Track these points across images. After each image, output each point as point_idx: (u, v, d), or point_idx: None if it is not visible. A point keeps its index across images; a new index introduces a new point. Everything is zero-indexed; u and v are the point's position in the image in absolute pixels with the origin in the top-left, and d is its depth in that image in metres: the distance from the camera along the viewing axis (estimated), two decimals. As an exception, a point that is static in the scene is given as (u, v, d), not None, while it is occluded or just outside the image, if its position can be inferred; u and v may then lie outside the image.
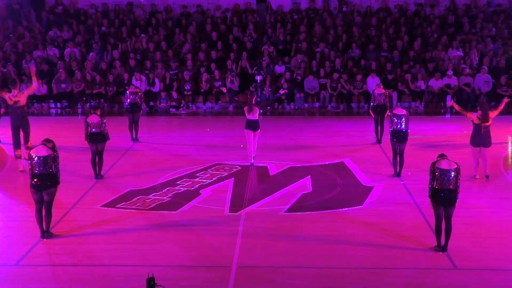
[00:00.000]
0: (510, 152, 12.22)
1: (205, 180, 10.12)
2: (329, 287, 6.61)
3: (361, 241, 7.72)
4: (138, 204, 9.05)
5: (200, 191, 9.59)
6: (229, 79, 16.76)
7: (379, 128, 12.46)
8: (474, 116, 9.92)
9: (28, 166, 7.73)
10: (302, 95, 16.69)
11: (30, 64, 10.55)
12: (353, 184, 10.00)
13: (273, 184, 10.03)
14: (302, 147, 12.53)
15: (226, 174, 10.48)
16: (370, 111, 12.50)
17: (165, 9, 19.26)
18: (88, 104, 16.59)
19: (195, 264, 7.12)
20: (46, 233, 7.79)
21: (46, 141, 7.70)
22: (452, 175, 7.13)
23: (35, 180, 7.60)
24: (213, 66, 17.00)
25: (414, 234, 7.85)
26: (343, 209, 8.87)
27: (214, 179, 10.21)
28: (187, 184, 9.95)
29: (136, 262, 7.14)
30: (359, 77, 16.57)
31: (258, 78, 16.25)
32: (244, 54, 17.26)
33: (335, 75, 16.69)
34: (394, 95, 16.35)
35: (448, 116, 16.23)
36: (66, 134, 13.58)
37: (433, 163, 7.26)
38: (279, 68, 17.27)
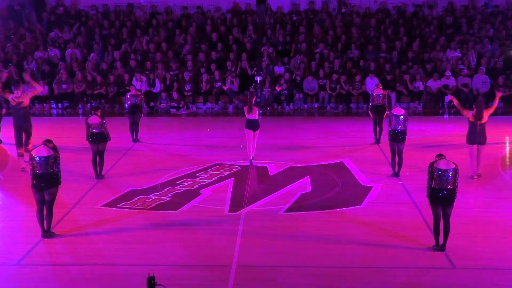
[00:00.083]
0: (507, 152, 12.29)
1: (205, 180, 10.17)
2: (328, 285, 6.65)
3: (359, 240, 7.76)
4: (138, 204, 9.10)
5: (200, 191, 9.64)
6: (229, 80, 16.82)
7: (377, 128, 12.52)
8: (469, 114, 10.00)
9: (29, 166, 7.78)
10: (301, 95, 16.76)
11: (24, 74, 10.69)
12: (352, 184, 10.05)
13: (272, 184, 10.08)
14: (301, 147, 12.58)
15: (226, 174, 10.53)
16: (369, 112, 12.56)
17: (165, 10, 19.33)
18: (89, 104, 16.65)
19: (195, 263, 7.17)
20: (47, 233, 7.83)
21: (47, 142, 7.75)
22: (450, 175, 7.17)
23: (36, 180, 7.63)
24: (213, 66, 17.06)
25: (412, 234, 7.90)
26: (342, 208, 8.92)
27: (214, 179, 10.26)
28: (187, 184, 10.00)
29: (136, 261, 7.18)
30: (358, 77, 16.63)
31: (258, 78, 16.30)
32: (244, 55, 17.32)
33: (334, 76, 16.75)
34: (393, 95, 16.41)
35: (446, 116, 16.30)
36: (67, 134, 13.63)
37: (431, 163, 7.30)
38: (279, 69, 17.34)
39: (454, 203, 7.33)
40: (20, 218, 8.69)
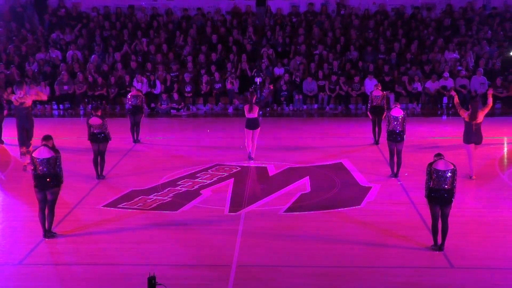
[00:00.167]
0: (505, 153, 12.35)
1: (205, 181, 10.23)
2: (327, 285, 6.69)
3: (359, 240, 7.81)
4: (139, 204, 9.15)
5: (201, 191, 9.70)
6: (229, 81, 16.89)
7: (376, 129, 12.58)
8: (465, 114, 10.08)
9: (30, 166, 7.82)
10: (300, 96, 16.82)
11: (30, 89, 10.80)
12: (351, 184, 10.10)
13: (272, 184, 10.13)
14: (301, 148, 12.64)
15: (226, 174, 10.59)
16: (368, 113, 12.62)
17: (166, 12, 19.39)
18: (90, 105, 16.71)
19: (195, 263, 7.21)
20: (48, 233, 7.87)
21: (46, 139, 7.71)
22: (449, 176, 7.22)
23: (38, 180, 7.67)
24: (213, 68, 17.13)
25: (411, 234, 7.94)
26: (341, 209, 8.96)
27: (214, 179, 10.32)
28: (187, 184, 10.05)
29: (137, 261, 7.22)
30: (357, 79, 16.70)
31: (258, 80, 16.39)
32: (244, 56, 17.39)
33: (333, 77, 16.81)
34: (392, 96, 16.48)
35: (444, 117, 16.37)
36: (68, 135, 13.66)
37: (430, 164, 7.34)
38: (278, 70, 17.41)
39: (452, 203, 7.37)
40: (21, 218, 8.75)
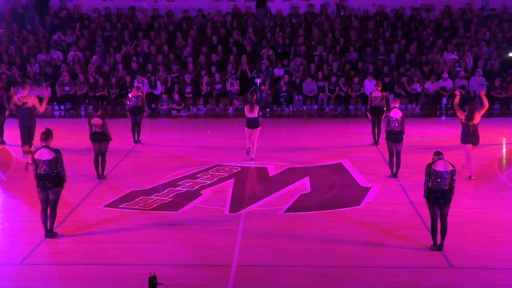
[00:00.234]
0: (504, 153, 12.40)
1: (205, 181, 10.27)
2: (327, 285, 6.72)
3: (358, 240, 7.84)
4: (140, 204, 9.19)
5: (201, 192, 9.74)
6: (229, 82, 16.94)
7: (376, 129, 12.63)
8: (462, 115, 10.14)
9: (32, 167, 7.86)
10: (300, 97, 16.87)
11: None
12: (351, 185, 10.14)
13: (272, 185, 10.17)
14: (300, 148, 12.68)
15: (227, 175, 10.63)
16: (368, 113, 12.67)
17: (166, 13, 19.45)
18: (90, 106, 16.76)
19: (196, 263, 7.24)
20: (50, 233, 7.90)
21: (45, 139, 7.67)
22: (448, 177, 7.24)
23: (40, 180, 7.70)
24: (213, 69, 17.18)
25: (410, 234, 7.98)
26: (341, 209, 9.00)
27: (214, 179, 10.36)
28: (188, 184, 10.09)
29: (138, 261, 7.25)
30: (356, 80, 16.75)
31: (258, 81, 16.46)
32: (244, 57, 17.44)
33: (333, 78, 16.86)
34: (390, 97, 16.52)
35: (443, 118, 16.42)
36: (69, 136, 13.70)
37: (429, 164, 7.36)
38: (278, 71, 17.46)
39: (451, 203, 7.40)
40: (22, 218, 8.78)
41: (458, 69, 17.16)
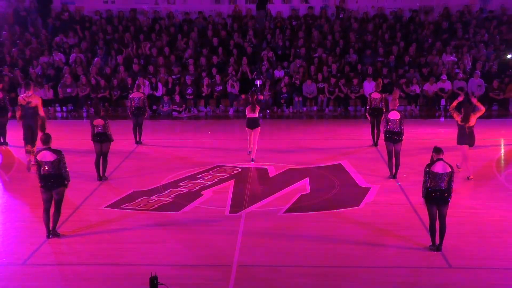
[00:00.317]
0: (502, 154, 12.46)
1: (206, 182, 10.31)
2: (327, 285, 6.75)
3: (358, 240, 7.88)
4: (141, 205, 9.24)
5: (202, 192, 9.78)
6: (229, 84, 17.02)
7: (375, 131, 12.70)
8: (458, 118, 10.21)
9: (34, 167, 7.93)
10: (300, 99, 16.94)
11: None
12: (351, 185, 10.18)
13: (272, 185, 10.21)
14: (300, 149, 12.73)
15: (227, 175, 10.68)
16: (367, 115, 12.73)
17: (167, 16, 19.53)
18: (91, 108, 16.83)
19: (196, 263, 7.28)
20: (52, 233, 7.94)
21: (45, 140, 7.72)
22: (446, 178, 7.29)
23: (44, 180, 7.75)
24: (214, 70, 17.26)
25: (409, 234, 8.02)
26: (341, 209, 9.04)
27: (215, 180, 10.40)
28: (189, 185, 10.14)
29: (139, 261, 7.29)
30: (355, 81, 16.83)
31: (258, 82, 16.54)
32: (244, 59, 17.51)
33: (333, 80, 16.93)
34: (389, 98, 16.58)
35: (442, 119, 16.49)
36: (71, 137, 13.76)
37: (428, 165, 7.41)
38: (278, 73, 17.54)
39: (449, 203, 7.44)
40: (25, 218, 8.82)
41: (457, 70, 17.23)
